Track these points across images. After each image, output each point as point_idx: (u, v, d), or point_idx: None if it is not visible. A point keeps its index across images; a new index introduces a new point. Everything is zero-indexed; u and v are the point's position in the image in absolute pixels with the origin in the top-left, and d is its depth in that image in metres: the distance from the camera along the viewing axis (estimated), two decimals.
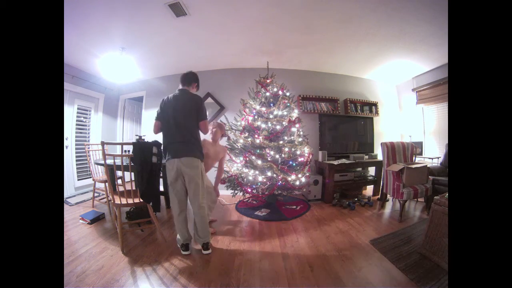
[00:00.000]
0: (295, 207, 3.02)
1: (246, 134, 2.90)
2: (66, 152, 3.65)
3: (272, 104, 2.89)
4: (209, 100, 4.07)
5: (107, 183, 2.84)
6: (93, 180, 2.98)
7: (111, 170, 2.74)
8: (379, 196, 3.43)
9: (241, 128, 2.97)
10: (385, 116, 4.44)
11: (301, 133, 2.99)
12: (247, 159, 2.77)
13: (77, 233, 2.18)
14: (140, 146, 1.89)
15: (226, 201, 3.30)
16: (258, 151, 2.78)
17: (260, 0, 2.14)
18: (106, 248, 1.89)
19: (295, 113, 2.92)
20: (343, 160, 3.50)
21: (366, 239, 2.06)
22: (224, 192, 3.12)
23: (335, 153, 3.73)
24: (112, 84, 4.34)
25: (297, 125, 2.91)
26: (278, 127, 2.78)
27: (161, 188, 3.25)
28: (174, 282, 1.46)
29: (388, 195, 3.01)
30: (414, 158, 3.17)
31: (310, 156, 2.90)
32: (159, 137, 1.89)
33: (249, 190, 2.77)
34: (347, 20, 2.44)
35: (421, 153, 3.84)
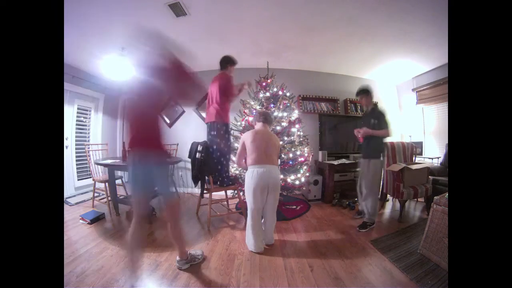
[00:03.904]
0: (295, 207, 3.01)
1: None
2: (66, 152, 3.65)
3: (272, 105, 2.89)
4: None
5: (106, 183, 2.86)
6: (93, 180, 2.98)
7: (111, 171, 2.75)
8: (379, 196, 3.43)
9: (241, 128, 2.97)
10: None
11: (301, 133, 2.99)
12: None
13: (77, 233, 2.18)
14: (192, 146, 2.55)
15: None
16: None
17: (260, 0, 2.14)
18: (106, 248, 1.89)
19: (295, 114, 2.92)
20: (343, 160, 3.50)
21: (366, 239, 2.06)
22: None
23: (335, 153, 3.73)
24: (112, 84, 4.34)
25: (297, 126, 2.91)
26: (278, 128, 2.77)
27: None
28: (174, 282, 1.46)
29: (388, 195, 3.02)
30: (414, 158, 3.17)
31: (310, 156, 2.90)
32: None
33: None
34: (347, 20, 2.44)
35: (421, 153, 3.84)
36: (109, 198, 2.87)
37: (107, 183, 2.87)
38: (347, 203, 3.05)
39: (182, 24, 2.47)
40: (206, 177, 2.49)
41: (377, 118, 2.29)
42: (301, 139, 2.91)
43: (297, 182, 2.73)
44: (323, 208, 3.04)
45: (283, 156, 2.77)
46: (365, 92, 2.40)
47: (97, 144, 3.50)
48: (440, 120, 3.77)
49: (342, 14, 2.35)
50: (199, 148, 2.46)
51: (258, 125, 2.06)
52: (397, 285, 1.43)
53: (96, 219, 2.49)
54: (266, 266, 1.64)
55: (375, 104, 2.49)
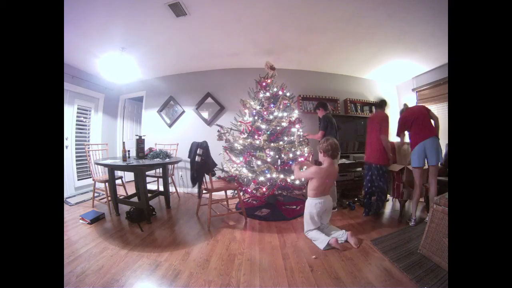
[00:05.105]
0: (295, 207, 3.01)
1: (246, 135, 2.89)
2: (66, 152, 3.65)
3: (272, 105, 2.89)
4: (209, 100, 4.07)
5: (106, 183, 2.86)
6: (93, 180, 2.98)
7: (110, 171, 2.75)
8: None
9: (241, 128, 2.97)
10: None
11: (301, 133, 2.99)
12: (247, 160, 2.76)
13: (77, 233, 2.18)
14: (192, 147, 2.60)
15: None
16: (258, 151, 2.77)
17: (260, 0, 2.14)
18: (106, 248, 1.89)
19: (295, 114, 2.91)
20: (343, 160, 3.49)
21: (366, 239, 2.06)
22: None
23: None
24: (112, 84, 4.34)
25: (297, 126, 2.91)
26: (278, 128, 2.77)
27: (161, 188, 3.26)
28: (174, 282, 1.46)
29: (388, 195, 3.01)
30: None
31: (310, 156, 2.90)
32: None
33: (249, 190, 2.77)
34: (347, 20, 2.44)
35: None
36: (109, 198, 2.87)
37: (107, 183, 2.87)
38: (347, 203, 3.05)
39: (182, 24, 2.47)
40: (204, 178, 2.50)
41: (320, 124, 2.97)
42: (301, 139, 2.91)
43: (297, 182, 2.72)
44: None
45: (283, 156, 2.77)
46: (318, 106, 3.12)
47: (97, 144, 3.50)
48: (440, 120, 3.76)
49: (342, 14, 2.35)
50: (200, 151, 2.49)
51: (327, 162, 2.23)
52: (397, 285, 1.43)
53: (96, 219, 2.49)
54: (266, 266, 1.64)
55: (324, 115, 3.03)
